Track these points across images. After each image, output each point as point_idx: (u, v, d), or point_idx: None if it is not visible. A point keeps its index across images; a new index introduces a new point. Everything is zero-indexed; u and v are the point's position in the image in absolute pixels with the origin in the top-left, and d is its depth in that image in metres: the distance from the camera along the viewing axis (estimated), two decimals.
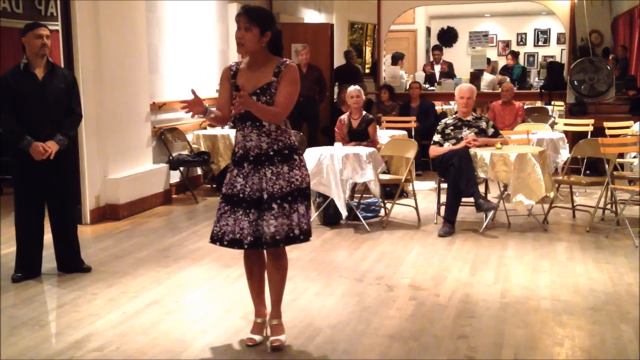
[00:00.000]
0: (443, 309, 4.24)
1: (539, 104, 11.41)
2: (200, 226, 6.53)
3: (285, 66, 3.52)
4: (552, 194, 6.24)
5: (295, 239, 3.56)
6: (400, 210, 6.90)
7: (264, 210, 3.49)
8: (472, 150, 6.22)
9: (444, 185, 6.46)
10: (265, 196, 3.48)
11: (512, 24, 18.01)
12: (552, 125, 8.97)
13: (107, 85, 6.74)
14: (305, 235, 3.59)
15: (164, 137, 7.80)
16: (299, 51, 9.36)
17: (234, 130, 8.74)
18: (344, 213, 6.19)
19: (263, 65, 3.55)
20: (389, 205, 6.66)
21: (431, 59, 13.41)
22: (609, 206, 6.66)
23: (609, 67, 9.51)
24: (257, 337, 3.71)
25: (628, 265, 5.12)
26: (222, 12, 9.31)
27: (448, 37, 17.84)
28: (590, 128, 8.45)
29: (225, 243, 3.56)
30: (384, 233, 6.21)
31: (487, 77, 11.50)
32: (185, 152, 8.09)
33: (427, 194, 7.99)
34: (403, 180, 6.54)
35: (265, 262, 3.72)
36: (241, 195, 3.53)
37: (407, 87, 10.56)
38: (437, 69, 12.09)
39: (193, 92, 3.51)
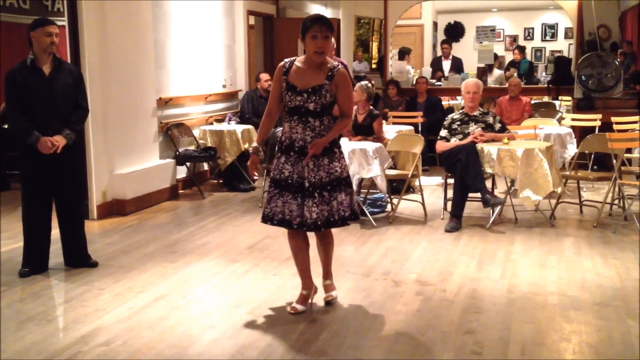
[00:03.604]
0: (450, 304, 4.24)
1: (546, 99, 11.36)
2: (206, 221, 6.54)
3: (338, 72, 3.87)
4: (559, 189, 6.22)
5: (334, 223, 3.95)
6: (406, 205, 6.89)
7: (306, 196, 3.85)
8: (479, 146, 6.21)
9: (451, 181, 6.44)
10: (307, 184, 3.85)
11: (519, 18, 17.94)
12: (560, 120, 8.94)
13: (113, 81, 6.75)
14: (342, 221, 3.98)
15: (171, 133, 7.80)
16: None
17: (239, 126, 8.74)
18: None
19: (318, 66, 3.87)
20: (395, 201, 6.64)
21: (439, 54, 13.38)
22: (616, 201, 6.63)
23: (617, 62, 9.46)
24: (300, 307, 4.07)
25: (636, 260, 5.10)
26: (228, 7, 9.30)
27: (455, 32, 17.78)
28: (598, 123, 8.41)
29: (275, 222, 3.95)
30: (390, 228, 6.20)
31: (495, 73, 11.46)
32: (192, 148, 8.09)
33: (433, 189, 7.97)
34: (410, 176, 6.53)
35: (308, 242, 4.12)
36: (289, 181, 3.89)
37: (414, 82, 10.53)
38: (447, 64, 12.03)
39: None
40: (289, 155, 3.91)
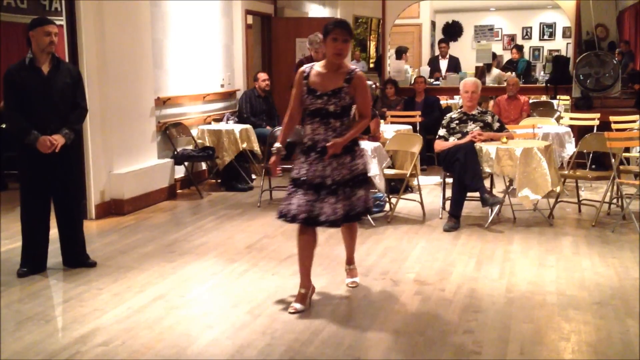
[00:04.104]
0: (448, 303, 4.24)
1: (544, 98, 11.36)
2: (205, 221, 6.53)
3: (355, 75, 4.09)
4: (558, 189, 6.22)
5: (353, 217, 4.18)
6: (405, 205, 6.89)
7: (327, 194, 4.01)
8: (478, 145, 6.20)
9: (449, 180, 6.44)
10: (329, 182, 4.03)
11: (517, 17, 17.93)
12: (558, 120, 8.94)
13: (111, 81, 6.74)
14: (357, 216, 4.20)
15: (169, 132, 7.79)
16: (316, 45, 7.39)
17: (238, 126, 8.72)
18: None
19: (336, 70, 4.09)
20: (393, 200, 6.64)
21: (437, 53, 13.36)
22: (615, 200, 6.64)
23: (615, 61, 9.46)
24: (299, 306, 4.11)
25: (634, 259, 5.11)
26: (226, 7, 9.29)
27: (453, 31, 17.76)
28: (596, 122, 8.41)
29: (289, 219, 4.07)
30: (388, 228, 6.20)
31: (493, 72, 11.46)
32: (190, 147, 8.08)
33: (432, 188, 7.97)
34: (408, 175, 6.53)
35: (316, 240, 4.20)
36: (303, 178, 4.06)
37: (412, 82, 10.52)
38: (444, 63, 12.01)
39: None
40: (309, 155, 4.09)
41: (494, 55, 12.73)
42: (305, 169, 4.07)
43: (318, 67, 4.16)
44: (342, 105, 4.06)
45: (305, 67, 4.19)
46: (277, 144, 4.23)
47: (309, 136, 4.12)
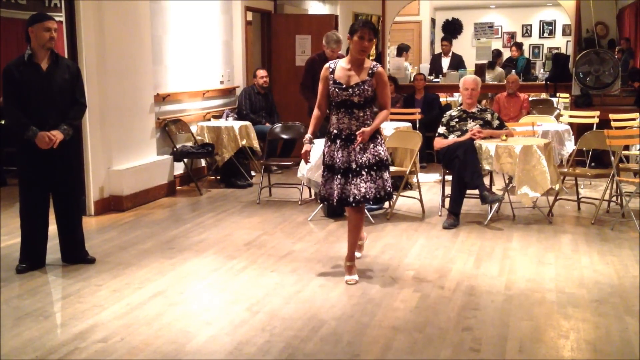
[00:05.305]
0: (447, 301, 4.24)
1: (544, 95, 11.36)
2: (204, 217, 6.53)
3: (378, 70, 4.54)
4: (557, 186, 6.23)
5: (381, 199, 4.68)
6: (404, 202, 6.89)
7: (353, 176, 4.48)
8: (477, 142, 6.20)
9: (449, 178, 6.44)
10: (354, 166, 4.49)
11: (517, 15, 17.93)
12: (558, 117, 8.93)
13: (110, 77, 6.73)
14: (388, 196, 4.68)
15: (168, 129, 7.78)
16: (333, 44, 7.09)
17: (237, 122, 8.74)
18: None
19: (360, 65, 4.54)
20: (393, 197, 6.63)
21: (437, 51, 13.34)
22: (614, 198, 6.64)
23: (614, 59, 9.45)
24: (356, 277, 4.62)
25: (633, 257, 5.11)
26: (226, 3, 9.27)
27: (453, 28, 17.75)
28: (596, 120, 8.41)
29: (332, 201, 4.58)
30: (388, 225, 6.20)
31: (497, 70, 11.45)
32: (189, 144, 8.08)
33: (431, 186, 7.97)
34: (407, 172, 6.53)
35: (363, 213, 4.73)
36: (338, 166, 4.53)
37: (412, 79, 10.51)
38: (446, 61, 11.99)
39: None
40: (336, 143, 4.55)
41: (499, 53, 12.71)
42: (339, 156, 4.52)
43: (343, 63, 4.59)
44: (365, 96, 4.48)
45: (330, 64, 4.63)
46: (308, 135, 4.68)
47: (334, 125, 4.57)
